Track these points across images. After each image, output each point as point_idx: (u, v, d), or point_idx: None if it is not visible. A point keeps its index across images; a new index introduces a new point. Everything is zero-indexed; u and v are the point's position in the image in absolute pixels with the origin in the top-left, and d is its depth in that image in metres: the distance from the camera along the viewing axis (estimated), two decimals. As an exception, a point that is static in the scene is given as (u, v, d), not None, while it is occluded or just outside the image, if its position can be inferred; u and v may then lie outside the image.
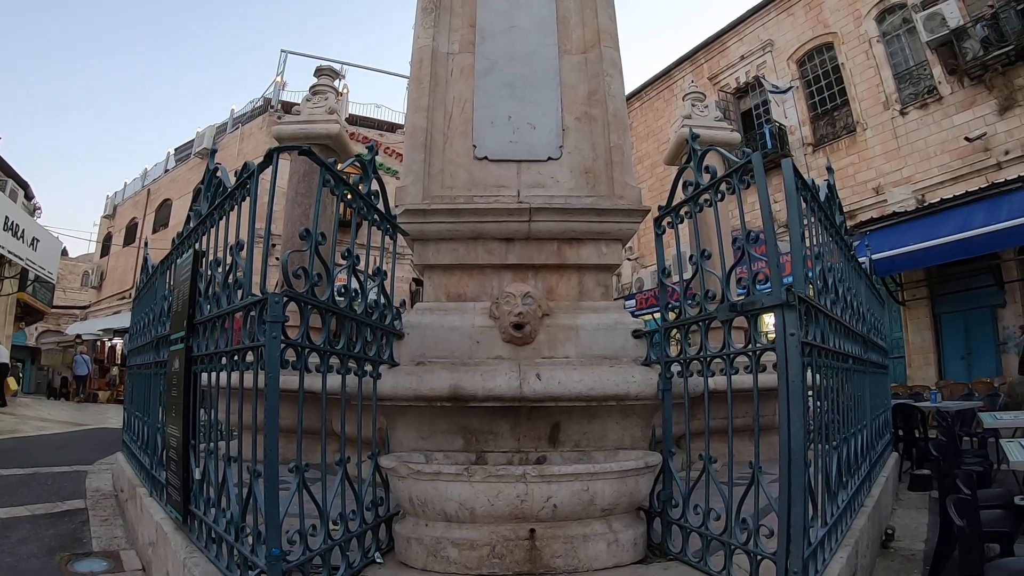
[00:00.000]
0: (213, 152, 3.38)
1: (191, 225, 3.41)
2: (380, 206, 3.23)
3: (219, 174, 3.01)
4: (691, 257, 2.90)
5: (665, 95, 20.03)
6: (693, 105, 8.88)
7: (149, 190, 26.48)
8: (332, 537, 2.46)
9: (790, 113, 15.16)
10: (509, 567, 2.55)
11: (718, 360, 2.72)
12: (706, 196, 2.86)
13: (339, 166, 2.86)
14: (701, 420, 2.71)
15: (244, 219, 2.59)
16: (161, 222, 24.53)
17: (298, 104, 7.64)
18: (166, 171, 26.11)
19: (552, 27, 4.24)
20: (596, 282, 3.82)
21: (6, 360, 13.22)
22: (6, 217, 13.06)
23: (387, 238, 3.37)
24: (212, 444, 2.74)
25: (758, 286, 2.50)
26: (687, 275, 2.98)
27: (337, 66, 8.32)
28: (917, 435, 7.09)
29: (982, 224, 9.90)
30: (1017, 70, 11.27)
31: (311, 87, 7.57)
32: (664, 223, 3.18)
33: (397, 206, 3.79)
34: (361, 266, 2.98)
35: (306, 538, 2.29)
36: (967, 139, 11.77)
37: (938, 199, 11.61)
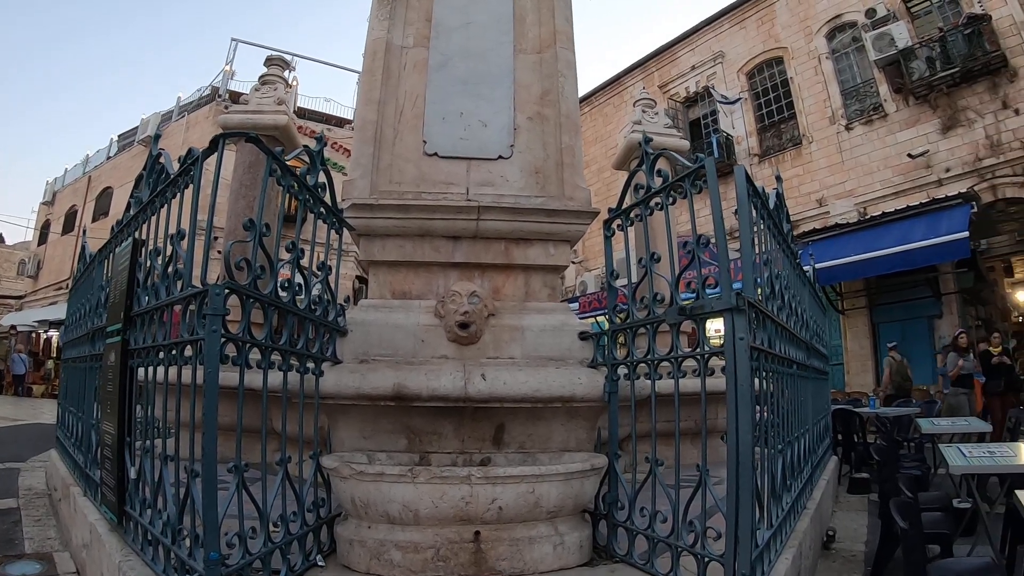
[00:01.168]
0: (156, 138, 3.25)
1: (131, 213, 3.27)
2: (328, 199, 3.14)
3: (162, 160, 2.89)
4: (640, 260, 2.89)
5: (615, 101, 20.21)
6: (644, 111, 9.00)
7: (90, 177, 25.44)
8: (272, 540, 2.37)
9: (738, 124, 15.52)
10: (454, 570, 2.50)
11: (665, 363, 2.71)
12: (657, 199, 2.85)
13: (286, 157, 2.78)
14: (648, 423, 2.69)
15: (187, 208, 2.47)
16: (101, 210, 23.57)
17: (246, 94, 7.43)
18: (108, 158, 25.08)
19: (508, 25, 4.19)
20: (543, 283, 3.79)
21: None
22: None
23: (333, 233, 3.30)
24: (149, 442, 2.61)
25: (707, 290, 2.51)
26: (636, 279, 2.98)
27: (288, 57, 8.10)
28: (856, 440, 7.30)
29: (921, 238, 10.28)
30: (961, 91, 11.76)
31: (260, 77, 7.38)
32: (614, 225, 3.17)
33: (344, 200, 3.70)
34: (305, 261, 2.90)
35: (245, 541, 2.20)
36: (910, 156, 12.23)
37: (880, 212, 12.00)
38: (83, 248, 5.09)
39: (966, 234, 9.65)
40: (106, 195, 23.98)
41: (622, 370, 3.02)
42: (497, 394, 3.11)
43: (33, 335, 23.42)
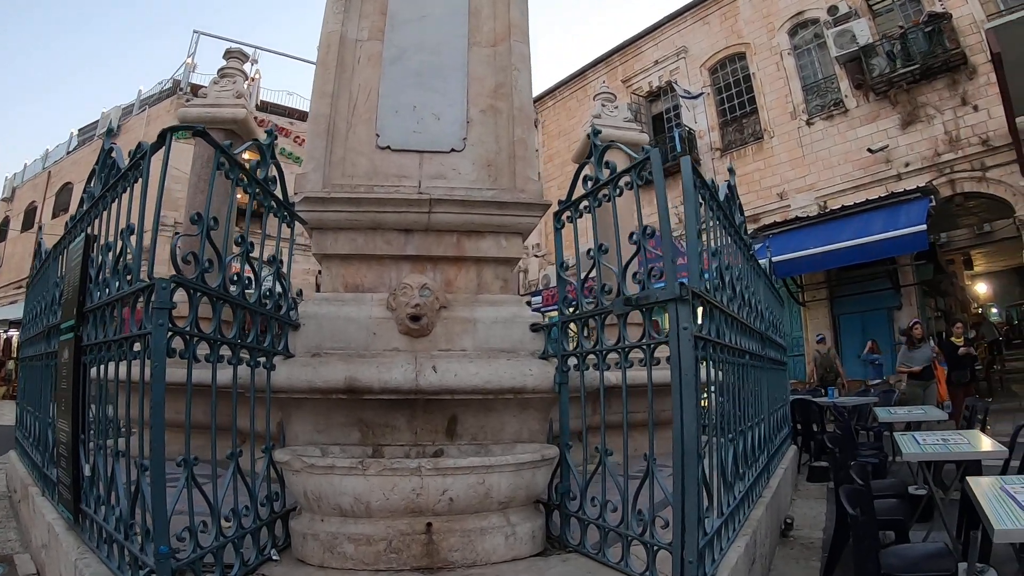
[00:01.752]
0: (109, 132, 3.20)
1: (84, 208, 3.23)
2: (279, 193, 3.13)
3: (113, 155, 2.87)
4: (589, 251, 2.92)
5: (579, 95, 20.23)
6: (603, 105, 9.04)
7: (50, 172, 24.84)
8: (224, 534, 2.36)
9: (700, 118, 15.71)
10: (406, 562, 2.51)
11: (614, 354, 2.75)
12: (605, 191, 2.88)
13: (236, 150, 2.76)
14: (606, 414, 2.72)
15: (146, 202, 2.45)
16: (62, 206, 23.02)
17: (206, 87, 7.33)
18: (68, 153, 24.54)
19: (464, 18, 4.19)
20: (495, 275, 3.80)
21: None
22: None
23: (284, 226, 3.28)
24: (102, 440, 2.58)
25: (653, 282, 2.54)
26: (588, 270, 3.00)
27: (249, 50, 8.01)
28: (815, 429, 7.44)
29: (881, 231, 10.52)
30: (921, 88, 12.05)
31: (219, 70, 7.25)
32: (563, 217, 3.20)
33: (296, 194, 3.67)
34: (256, 254, 2.88)
35: (196, 535, 2.21)
36: (870, 150, 12.50)
37: (840, 206, 12.24)
38: (39, 244, 5.00)
39: (924, 227, 9.91)
40: (66, 190, 23.46)
41: (572, 361, 3.05)
42: (448, 386, 3.12)
43: (-8, 335, 22.78)
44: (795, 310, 13.52)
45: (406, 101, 3.93)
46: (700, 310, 2.62)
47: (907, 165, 12.06)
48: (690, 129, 15.94)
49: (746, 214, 13.71)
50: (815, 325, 13.15)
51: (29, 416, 4.50)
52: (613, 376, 2.80)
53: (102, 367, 2.58)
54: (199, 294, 2.39)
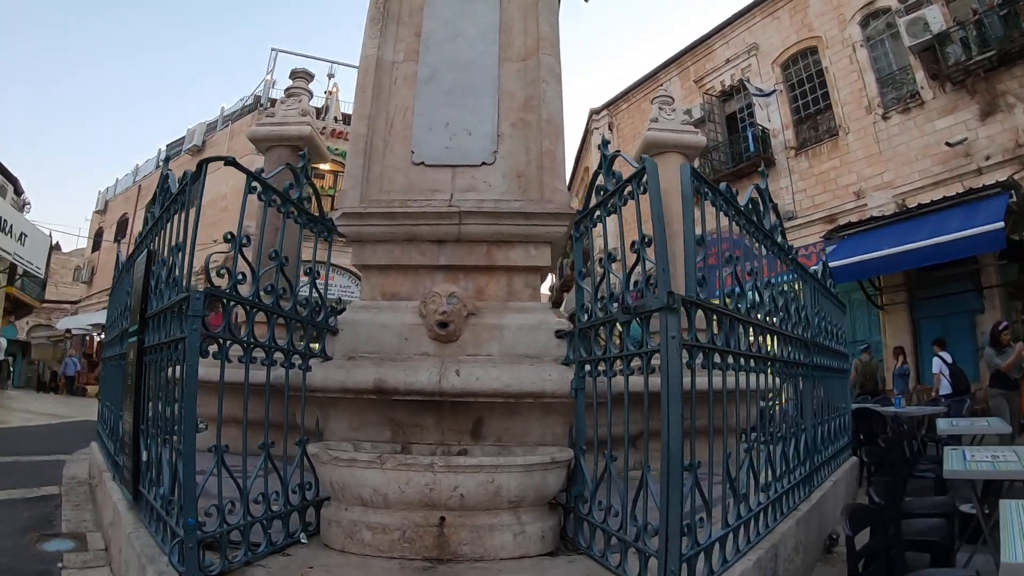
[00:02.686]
0: (167, 160, 3.59)
1: (147, 226, 3.63)
2: (315, 210, 3.41)
3: (169, 181, 3.20)
4: (601, 260, 3.02)
5: (651, 97, 20.15)
6: (660, 108, 9.00)
7: (140, 186, 26.78)
8: (252, 515, 2.62)
9: (773, 116, 15.27)
10: (418, 551, 2.68)
11: (638, 359, 2.70)
12: (613, 200, 2.98)
13: (268, 174, 3.06)
14: (620, 420, 2.76)
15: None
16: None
17: (274, 107, 7.83)
18: (157, 167, 26.34)
19: (495, 35, 4.35)
20: (525, 283, 3.92)
21: None
22: None
23: (323, 240, 3.57)
24: (158, 429, 2.93)
25: (652, 291, 2.59)
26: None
27: (327, 65, 8.48)
28: (881, 441, 7.08)
29: (957, 229, 9.95)
30: (999, 75, 11.32)
31: (286, 90, 7.72)
32: (582, 226, 3.31)
33: (336, 209, 3.95)
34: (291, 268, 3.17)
35: (223, 513, 2.46)
36: (948, 144, 11.83)
37: (916, 204, 11.68)
38: (117, 257, 5.57)
39: (1001, 224, 9.31)
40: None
41: (588, 367, 3.14)
42: (470, 389, 3.28)
43: (87, 338, 24.79)
44: (874, 313, 12.97)
45: (439, 118, 4.13)
46: (709, 317, 2.68)
47: (987, 158, 11.32)
48: (764, 128, 15.54)
49: (823, 214, 13.39)
50: (894, 330, 12.57)
51: (107, 410, 5.03)
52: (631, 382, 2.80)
53: (158, 366, 2.91)
54: (232, 303, 2.67)
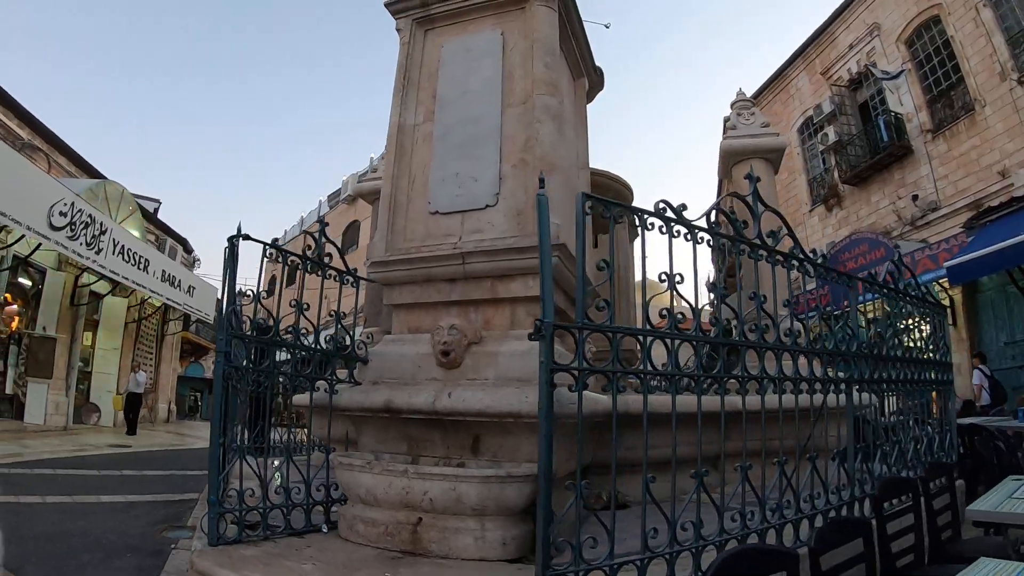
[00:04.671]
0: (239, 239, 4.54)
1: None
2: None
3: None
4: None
5: (782, 97, 19.44)
6: (739, 115, 8.94)
7: (305, 235, 30.14)
8: (272, 503, 3.43)
9: (905, 99, 14.12)
10: (397, 544, 3.28)
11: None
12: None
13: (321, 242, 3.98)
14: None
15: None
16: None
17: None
18: (330, 207, 29.58)
19: (498, 84, 4.81)
20: (527, 312, 4.26)
21: (139, 390, 15.21)
22: (163, 270, 15.98)
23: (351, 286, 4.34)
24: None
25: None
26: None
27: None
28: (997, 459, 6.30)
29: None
30: None
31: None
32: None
33: (367, 260, 4.67)
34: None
35: (242, 497, 3.37)
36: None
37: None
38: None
39: None
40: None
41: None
42: (458, 409, 3.75)
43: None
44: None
45: (451, 170, 4.69)
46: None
47: None
48: (896, 114, 14.41)
49: (968, 200, 12.18)
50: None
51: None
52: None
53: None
54: (250, 342, 3.52)
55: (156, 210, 21.54)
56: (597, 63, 7.48)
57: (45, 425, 12.88)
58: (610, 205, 2.81)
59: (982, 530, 3.64)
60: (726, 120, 9.05)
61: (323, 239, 4.07)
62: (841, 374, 3.96)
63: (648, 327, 2.80)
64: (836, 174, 16.66)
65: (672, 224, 2.92)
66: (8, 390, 12.80)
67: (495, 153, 4.63)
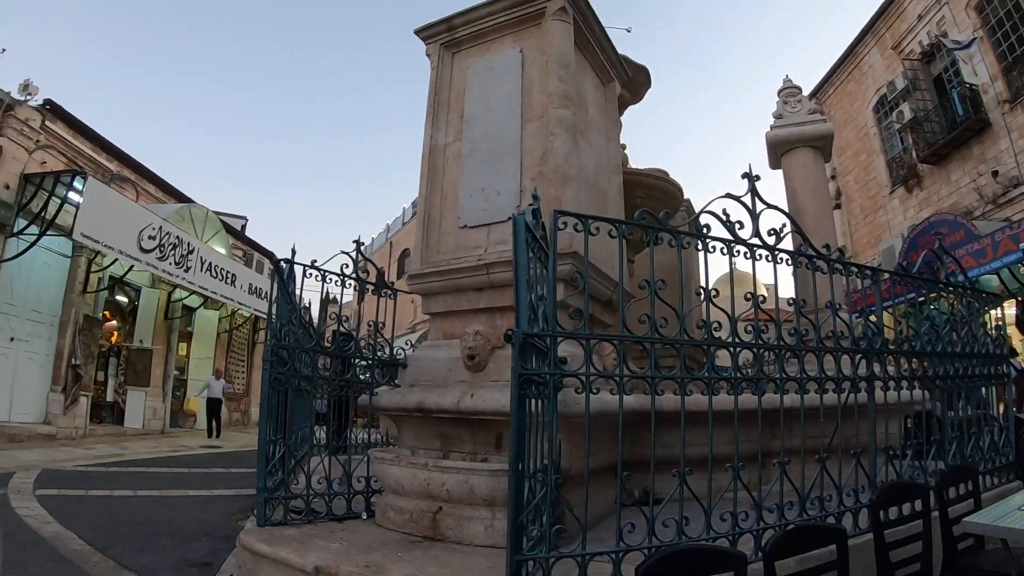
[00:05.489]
0: (285, 262, 5.10)
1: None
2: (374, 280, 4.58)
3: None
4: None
5: (855, 76, 18.80)
6: (785, 102, 8.88)
7: (391, 242, 31.21)
8: (314, 491, 3.92)
9: (980, 69, 13.42)
10: (419, 530, 3.66)
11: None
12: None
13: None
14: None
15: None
16: (403, 270, 28.88)
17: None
18: (403, 224, 30.56)
19: (518, 100, 5.08)
20: None
21: (219, 395, 16.02)
22: (251, 283, 17.13)
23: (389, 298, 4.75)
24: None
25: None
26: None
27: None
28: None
29: None
30: None
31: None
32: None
33: (406, 272, 5.07)
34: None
35: (287, 486, 4.02)
36: None
37: None
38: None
39: None
40: (406, 256, 29.22)
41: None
42: (479, 408, 4.06)
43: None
44: None
45: (477, 185, 5.02)
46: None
47: None
48: (971, 85, 13.74)
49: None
50: None
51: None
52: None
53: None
54: (295, 351, 4.06)
55: (243, 227, 22.97)
56: (642, 63, 7.72)
57: (144, 429, 14.21)
58: (584, 219, 3.06)
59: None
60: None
61: (359, 257, 4.48)
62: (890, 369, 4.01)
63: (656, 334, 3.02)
64: (914, 153, 15.96)
65: (657, 231, 3.15)
66: (110, 398, 14.21)
67: (516, 167, 4.92)
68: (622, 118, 9.30)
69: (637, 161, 8.87)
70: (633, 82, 8.73)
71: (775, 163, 8.95)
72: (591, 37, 5.84)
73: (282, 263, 4.19)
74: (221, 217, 18.05)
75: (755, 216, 3.51)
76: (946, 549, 3.14)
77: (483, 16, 5.44)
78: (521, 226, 2.92)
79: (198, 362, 18.41)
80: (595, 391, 2.95)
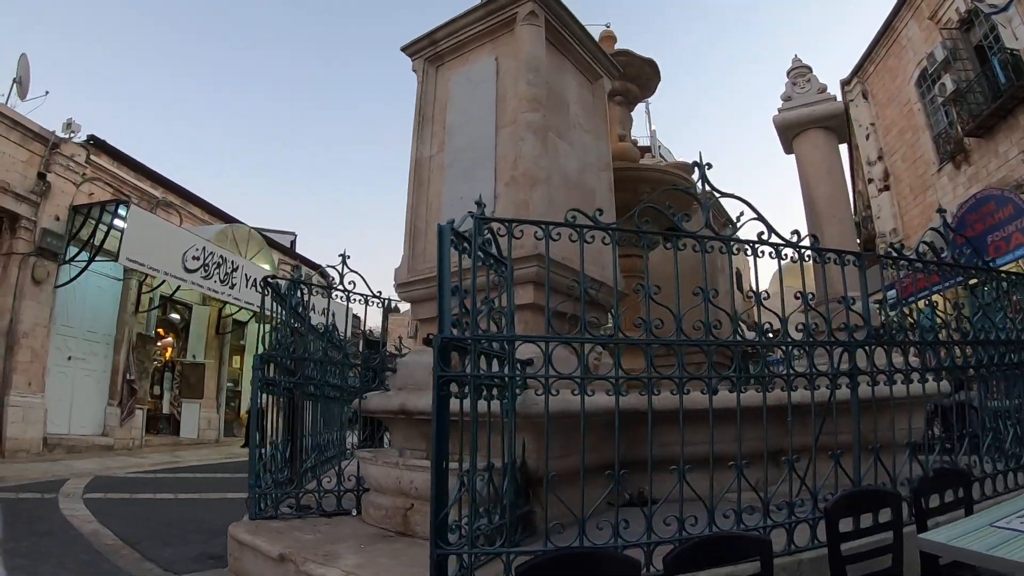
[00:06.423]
0: (272, 279, 5.42)
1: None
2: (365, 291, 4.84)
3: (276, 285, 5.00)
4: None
5: (894, 51, 18.10)
6: (793, 84, 8.68)
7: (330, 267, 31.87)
8: (305, 489, 4.19)
9: (1020, 32, 12.82)
10: (393, 526, 3.89)
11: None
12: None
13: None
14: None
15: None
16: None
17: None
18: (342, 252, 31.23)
19: (492, 107, 5.21)
20: (519, 319, 4.70)
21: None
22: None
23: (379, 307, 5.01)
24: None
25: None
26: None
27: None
28: None
29: None
30: None
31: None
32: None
33: (394, 281, 5.30)
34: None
35: (276, 483, 4.33)
36: None
37: None
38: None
39: None
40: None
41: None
42: (453, 410, 4.25)
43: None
44: None
45: (457, 194, 5.19)
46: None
47: None
48: (1012, 51, 13.13)
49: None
50: None
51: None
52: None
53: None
54: (281, 359, 4.29)
55: (292, 242, 23.78)
56: (650, 56, 7.85)
57: (199, 439, 15.02)
58: (508, 223, 3.35)
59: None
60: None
61: (345, 268, 4.76)
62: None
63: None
64: (959, 127, 15.31)
65: (585, 230, 3.30)
66: (166, 410, 15.05)
67: (490, 174, 5.07)
68: (633, 112, 9.38)
69: (674, 147, 8.85)
70: (640, 76, 8.79)
71: (788, 147, 8.81)
72: (568, 35, 5.89)
73: (276, 280, 4.51)
74: (270, 235, 18.81)
75: (705, 208, 3.52)
76: (924, 568, 2.63)
77: (461, 27, 5.63)
78: (446, 234, 3.10)
79: (251, 374, 19.13)
80: (555, 392, 3.07)
